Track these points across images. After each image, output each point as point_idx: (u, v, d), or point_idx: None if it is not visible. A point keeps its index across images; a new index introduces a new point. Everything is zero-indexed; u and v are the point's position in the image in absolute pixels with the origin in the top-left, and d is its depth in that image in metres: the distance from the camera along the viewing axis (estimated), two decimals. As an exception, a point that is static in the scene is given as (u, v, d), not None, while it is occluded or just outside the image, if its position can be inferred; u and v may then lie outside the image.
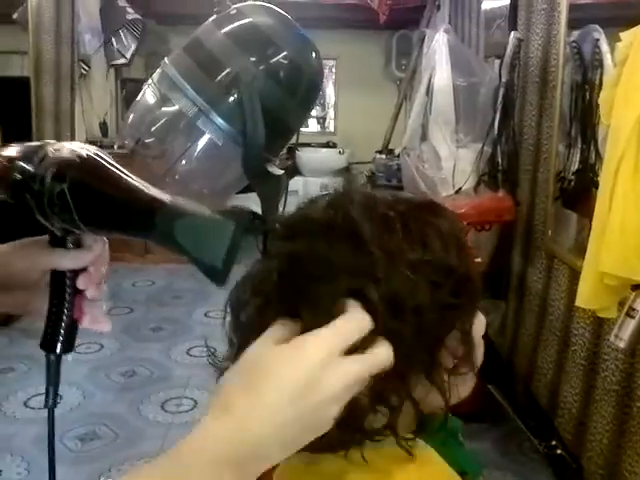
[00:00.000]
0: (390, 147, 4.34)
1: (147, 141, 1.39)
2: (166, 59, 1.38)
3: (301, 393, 0.47)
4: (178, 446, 0.48)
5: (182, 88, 1.32)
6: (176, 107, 1.33)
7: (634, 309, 1.46)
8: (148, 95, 1.41)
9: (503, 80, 2.48)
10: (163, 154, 1.37)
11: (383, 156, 3.97)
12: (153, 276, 4.64)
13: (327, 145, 5.97)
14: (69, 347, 0.68)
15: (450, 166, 2.81)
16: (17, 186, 0.64)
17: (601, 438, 1.95)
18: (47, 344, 0.68)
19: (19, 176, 0.64)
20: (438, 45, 2.76)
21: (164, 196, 0.63)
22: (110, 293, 0.75)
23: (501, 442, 2.48)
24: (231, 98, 1.29)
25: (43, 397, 0.67)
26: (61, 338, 0.68)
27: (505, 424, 2.54)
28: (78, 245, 0.69)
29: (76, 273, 0.68)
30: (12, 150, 0.66)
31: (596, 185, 2.49)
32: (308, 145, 5.61)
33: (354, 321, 0.49)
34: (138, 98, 1.43)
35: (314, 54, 1.38)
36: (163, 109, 1.37)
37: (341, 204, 0.57)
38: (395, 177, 3.46)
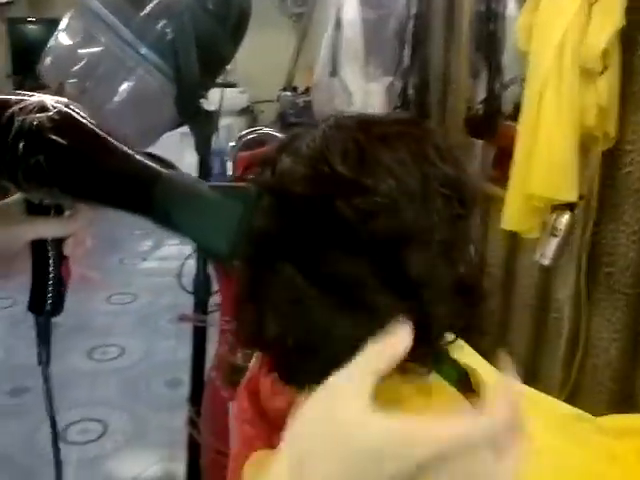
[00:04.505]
0: (294, 85, 4.27)
1: (70, 82, 1.29)
2: (85, -10, 1.28)
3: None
4: None
5: (107, 21, 1.23)
6: (101, 43, 1.25)
7: (557, 228, 1.56)
8: (67, 33, 1.30)
9: (413, 12, 2.49)
10: (90, 96, 1.29)
11: (289, 94, 3.91)
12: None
13: (227, 84, 5.81)
14: (58, 309, 0.62)
15: (361, 100, 2.81)
16: None
17: (519, 350, 2.09)
18: (34, 307, 0.62)
19: None
20: (344, -23, 2.71)
21: (156, 166, 0.55)
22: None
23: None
24: (162, 31, 1.23)
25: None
26: (49, 301, 0.61)
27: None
28: (60, 210, 0.59)
29: (61, 239, 0.60)
30: None
31: (502, 113, 2.59)
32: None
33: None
34: (54, 37, 1.32)
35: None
36: (86, 46, 1.27)
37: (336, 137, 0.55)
38: (304, 114, 3.43)
